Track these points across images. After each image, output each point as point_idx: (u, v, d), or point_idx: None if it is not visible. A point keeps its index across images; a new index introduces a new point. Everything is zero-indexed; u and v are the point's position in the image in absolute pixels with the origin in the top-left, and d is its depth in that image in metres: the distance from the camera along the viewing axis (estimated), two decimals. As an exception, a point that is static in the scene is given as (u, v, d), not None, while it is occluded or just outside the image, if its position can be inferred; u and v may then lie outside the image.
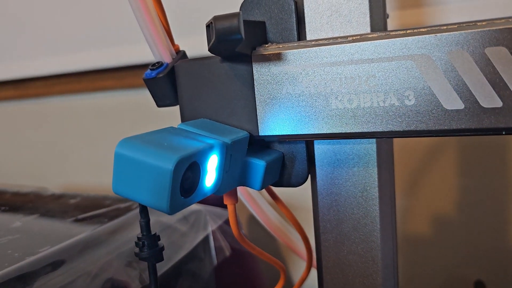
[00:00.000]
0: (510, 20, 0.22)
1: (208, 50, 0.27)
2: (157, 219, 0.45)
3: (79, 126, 0.89)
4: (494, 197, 0.61)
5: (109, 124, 0.85)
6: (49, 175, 0.94)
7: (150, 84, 0.32)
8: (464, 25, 0.23)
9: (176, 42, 0.34)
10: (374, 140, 0.29)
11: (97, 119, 0.87)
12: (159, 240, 0.28)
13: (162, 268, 0.42)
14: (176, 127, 0.27)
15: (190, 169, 0.23)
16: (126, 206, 0.48)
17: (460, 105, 0.24)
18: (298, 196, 0.49)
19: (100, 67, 0.81)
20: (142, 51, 0.73)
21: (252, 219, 0.69)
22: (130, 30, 0.79)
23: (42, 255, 0.35)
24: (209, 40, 0.26)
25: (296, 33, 0.29)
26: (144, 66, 0.73)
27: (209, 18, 0.25)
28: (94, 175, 0.88)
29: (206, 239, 0.49)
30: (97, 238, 0.40)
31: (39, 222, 0.46)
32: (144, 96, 0.80)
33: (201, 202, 0.58)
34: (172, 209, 0.23)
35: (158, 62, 0.32)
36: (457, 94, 0.24)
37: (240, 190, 0.40)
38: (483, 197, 0.62)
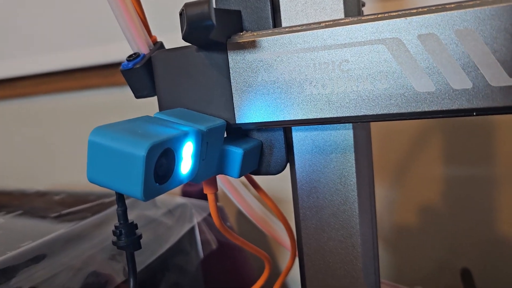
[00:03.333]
0: (478, 2, 0.23)
1: (182, 39, 0.27)
2: (141, 212, 0.45)
3: (67, 124, 0.89)
4: (480, 186, 0.62)
5: (97, 122, 0.84)
6: (37, 174, 0.94)
7: (127, 75, 0.32)
8: (434, 8, 0.24)
9: (159, 38, 0.34)
10: (351, 125, 0.29)
11: (84, 118, 0.86)
12: (137, 228, 0.28)
13: (147, 261, 0.42)
14: (152, 116, 0.27)
15: (164, 155, 0.23)
16: (110, 201, 0.48)
17: (431, 87, 0.24)
18: (283, 189, 0.49)
19: (87, 65, 0.81)
20: (129, 48, 0.73)
21: (240, 213, 0.69)
22: (116, 28, 0.78)
23: (23, 250, 0.35)
24: (182, 28, 0.26)
25: (271, 22, 0.29)
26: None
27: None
28: (83, 174, 0.87)
29: (191, 232, 0.49)
30: (80, 232, 0.40)
31: (22, 219, 0.46)
32: (131, 93, 0.80)
33: (186, 195, 0.58)
34: (147, 196, 0.23)
35: (135, 53, 0.32)
36: (428, 76, 0.24)
37: (224, 182, 0.40)
38: (469, 187, 0.62)
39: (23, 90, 0.89)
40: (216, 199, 0.32)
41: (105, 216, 0.42)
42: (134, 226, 0.27)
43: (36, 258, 0.35)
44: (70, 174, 0.90)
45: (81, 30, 0.81)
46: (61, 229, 0.39)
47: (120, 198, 0.27)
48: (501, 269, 0.63)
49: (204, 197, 0.55)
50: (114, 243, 0.27)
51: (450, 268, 0.65)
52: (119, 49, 0.76)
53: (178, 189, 0.64)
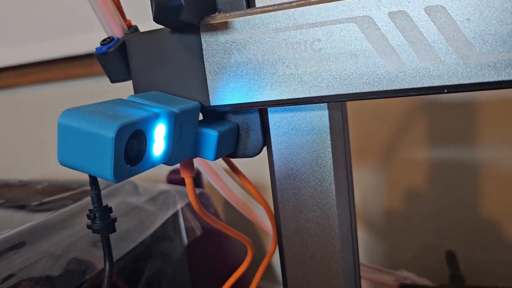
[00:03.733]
0: (447, -22, 0.23)
1: (153, 20, 0.26)
2: (123, 200, 0.45)
3: (52, 115, 0.88)
4: (464, 169, 0.62)
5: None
6: (25, 166, 0.93)
7: (102, 59, 0.31)
8: (404, -15, 0.23)
9: (139, 27, 0.34)
10: (326, 106, 0.29)
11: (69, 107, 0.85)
12: (111, 212, 0.28)
13: (129, 247, 0.42)
14: (125, 99, 0.27)
15: (135, 137, 0.23)
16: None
17: (402, 65, 0.24)
18: (265, 175, 0.50)
19: (70, 55, 0.80)
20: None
21: (227, 201, 0.69)
22: (99, 17, 0.77)
23: (1, 238, 0.35)
24: (152, 9, 0.26)
25: (245, 2, 0.29)
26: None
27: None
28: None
29: (175, 219, 0.49)
30: (61, 219, 0.40)
31: (2, 208, 0.46)
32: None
33: (170, 182, 0.58)
34: (117, 177, 0.22)
35: (109, 37, 0.32)
36: (399, 54, 0.24)
37: (205, 168, 0.40)
38: (454, 170, 0.63)
39: (6, 82, 0.88)
40: (194, 183, 0.32)
41: (86, 204, 0.42)
42: (108, 209, 0.27)
43: (15, 245, 0.35)
44: (56, 164, 0.89)
45: (64, 19, 0.80)
46: (41, 217, 0.39)
47: (94, 181, 0.27)
48: (484, 251, 0.63)
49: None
50: (88, 226, 0.27)
51: (435, 250, 0.66)
52: (102, 38, 0.75)
53: (163, 177, 0.64)
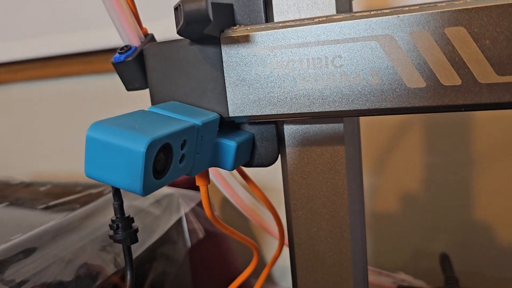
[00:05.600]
0: (468, 1, 0.23)
1: (177, 33, 0.27)
2: (129, 203, 0.45)
3: (46, 113, 0.87)
4: (458, 174, 0.64)
5: (77, 110, 0.84)
6: (17, 164, 0.93)
7: (119, 68, 0.32)
8: (425, 6, 0.24)
9: (144, 25, 0.34)
10: (341, 118, 0.30)
11: (64, 106, 0.85)
12: (133, 222, 0.28)
13: (136, 251, 0.42)
14: (147, 110, 0.28)
15: (162, 150, 0.24)
16: (98, 191, 0.48)
17: (422, 84, 0.25)
18: (270, 178, 0.50)
19: (66, 52, 0.79)
20: (109, 35, 0.72)
21: (225, 201, 0.70)
22: (97, 14, 0.78)
23: (12, 243, 0.35)
24: (177, 23, 0.26)
25: (263, 15, 0.30)
26: (111, 51, 0.73)
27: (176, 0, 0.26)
28: (63, 162, 0.87)
29: (179, 222, 0.49)
30: (70, 224, 0.40)
31: (9, 211, 0.46)
32: (112, 81, 0.80)
33: (173, 185, 0.59)
34: (146, 191, 0.23)
35: (126, 46, 0.32)
36: (419, 73, 0.24)
37: (213, 172, 0.41)
38: (448, 174, 0.64)
39: (0, 77, 0.87)
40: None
41: (95, 207, 0.42)
42: (130, 219, 0.28)
43: (26, 251, 0.35)
44: (52, 162, 0.88)
45: (61, 16, 0.80)
46: (50, 221, 0.39)
47: (117, 192, 0.27)
48: (477, 252, 0.65)
49: (190, 186, 0.55)
50: (111, 236, 0.27)
51: (429, 253, 0.67)
52: (100, 35, 0.75)
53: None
